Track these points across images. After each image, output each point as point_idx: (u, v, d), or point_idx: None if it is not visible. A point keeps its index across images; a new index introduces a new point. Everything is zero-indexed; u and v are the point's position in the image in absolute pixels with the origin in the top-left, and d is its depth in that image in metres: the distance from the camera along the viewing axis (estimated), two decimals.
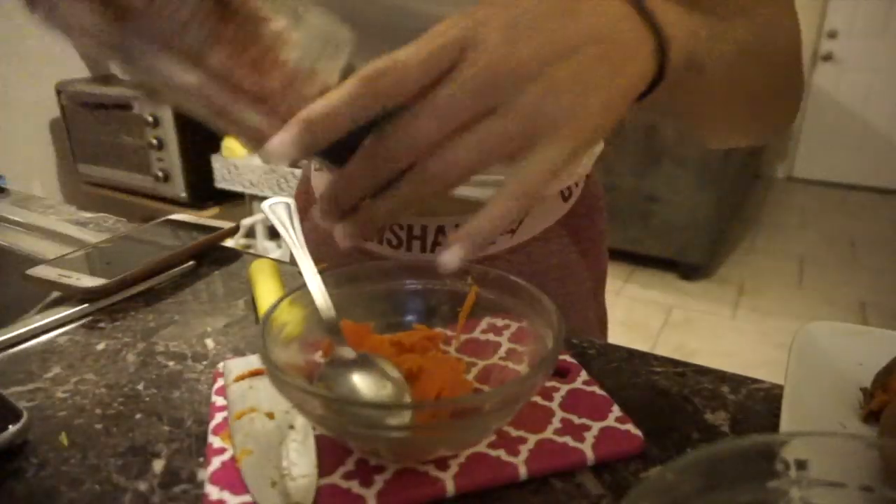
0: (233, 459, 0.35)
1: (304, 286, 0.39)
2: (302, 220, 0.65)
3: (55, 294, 0.55)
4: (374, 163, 0.29)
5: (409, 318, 0.44)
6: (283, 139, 0.28)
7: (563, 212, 0.59)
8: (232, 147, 2.35)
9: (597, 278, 0.66)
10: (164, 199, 2.43)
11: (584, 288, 0.64)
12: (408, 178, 0.29)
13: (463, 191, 0.51)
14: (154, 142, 2.33)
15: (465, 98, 0.27)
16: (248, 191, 2.35)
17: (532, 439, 0.36)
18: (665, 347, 2.31)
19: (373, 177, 0.30)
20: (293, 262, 0.64)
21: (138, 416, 0.40)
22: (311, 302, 0.39)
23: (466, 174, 0.29)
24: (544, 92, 0.28)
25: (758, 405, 0.41)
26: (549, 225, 0.59)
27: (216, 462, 0.35)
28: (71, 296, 0.54)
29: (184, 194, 2.39)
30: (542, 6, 0.29)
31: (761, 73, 0.42)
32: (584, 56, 0.28)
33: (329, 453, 0.35)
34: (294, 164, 0.44)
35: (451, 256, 0.29)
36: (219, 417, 0.39)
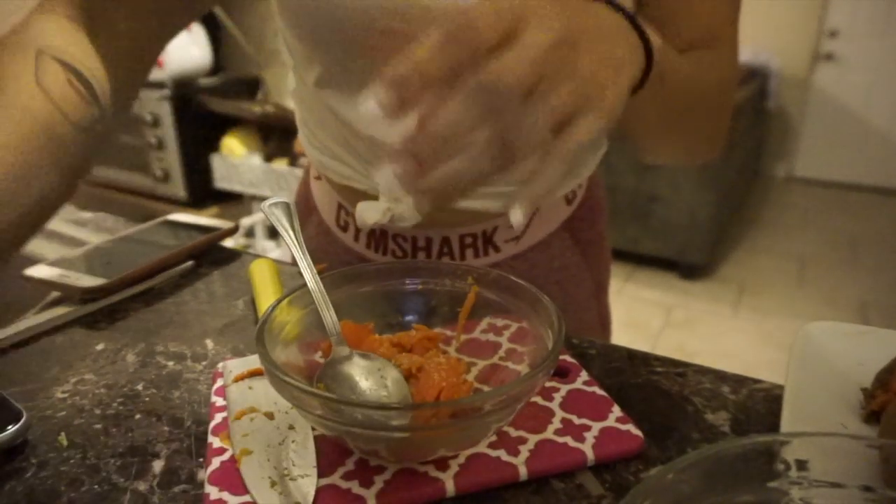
0: (232, 459, 0.35)
1: (303, 286, 0.39)
2: (303, 226, 0.65)
3: (55, 294, 0.55)
4: (470, 101, 0.29)
5: (409, 318, 0.43)
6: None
7: (566, 215, 0.60)
8: (231, 147, 2.35)
9: (598, 280, 0.66)
10: (163, 199, 2.43)
11: (584, 290, 0.64)
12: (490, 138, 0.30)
13: (472, 203, 0.52)
14: (154, 142, 2.33)
15: (544, 52, 0.29)
16: (247, 191, 2.35)
17: (532, 439, 0.36)
18: (665, 347, 2.31)
19: (469, 119, 0.29)
20: (293, 262, 0.64)
21: (138, 416, 0.40)
22: (311, 302, 0.39)
23: (541, 137, 0.30)
24: (594, 64, 0.31)
25: (758, 405, 0.41)
26: (554, 229, 0.59)
27: (216, 462, 0.35)
28: (70, 296, 0.54)
29: (183, 194, 2.40)
30: (577, 7, 0.32)
31: (696, 103, 0.48)
32: (613, 43, 0.32)
33: (329, 453, 0.35)
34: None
35: (519, 216, 0.30)
36: (218, 418, 0.39)
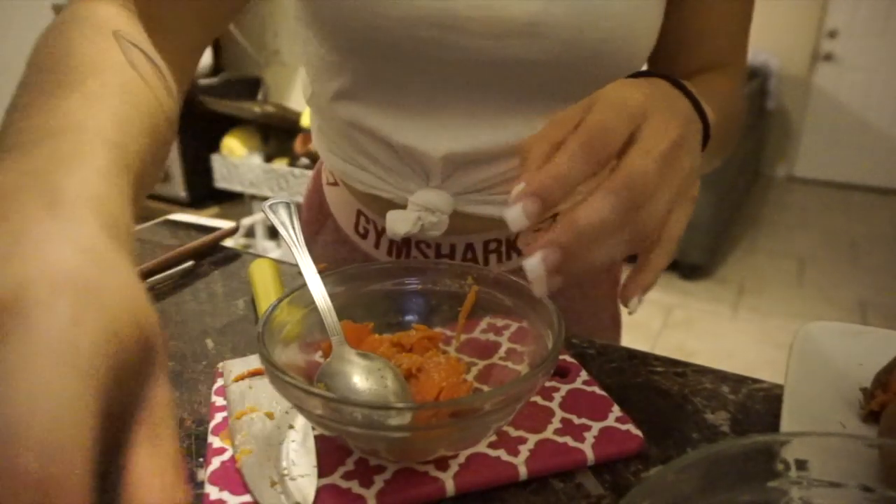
0: (233, 459, 0.35)
1: (304, 286, 0.39)
2: (317, 233, 0.64)
3: None
4: (612, 199, 0.30)
5: (409, 318, 0.43)
6: (523, 201, 0.30)
7: None
8: (231, 147, 2.35)
9: (613, 279, 0.67)
10: (163, 199, 2.43)
11: (602, 290, 0.65)
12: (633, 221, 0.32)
13: (496, 210, 0.52)
14: None
15: (667, 152, 0.32)
16: (247, 191, 2.35)
17: (532, 439, 0.36)
18: (665, 347, 2.31)
19: (611, 217, 0.31)
20: (293, 262, 0.64)
21: None
22: (311, 302, 0.39)
23: (659, 227, 0.33)
24: (691, 158, 0.34)
25: (758, 405, 0.41)
26: None
27: (216, 462, 0.35)
28: None
29: (183, 194, 2.39)
30: (667, 97, 0.36)
31: (722, 138, 0.49)
32: (691, 131, 0.35)
33: (329, 453, 0.35)
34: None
35: (636, 304, 0.34)
36: (218, 417, 0.39)
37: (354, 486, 0.33)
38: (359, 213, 0.59)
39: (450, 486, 0.33)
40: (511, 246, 0.56)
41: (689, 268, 2.80)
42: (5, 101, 0.33)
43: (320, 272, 0.40)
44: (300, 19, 0.52)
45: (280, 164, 2.27)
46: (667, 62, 0.53)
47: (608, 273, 0.65)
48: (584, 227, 0.30)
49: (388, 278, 0.43)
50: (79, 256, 0.21)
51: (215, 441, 0.37)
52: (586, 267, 0.32)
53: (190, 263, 0.62)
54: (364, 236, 0.59)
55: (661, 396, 0.42)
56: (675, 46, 0.52)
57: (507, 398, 0.31)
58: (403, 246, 0.57)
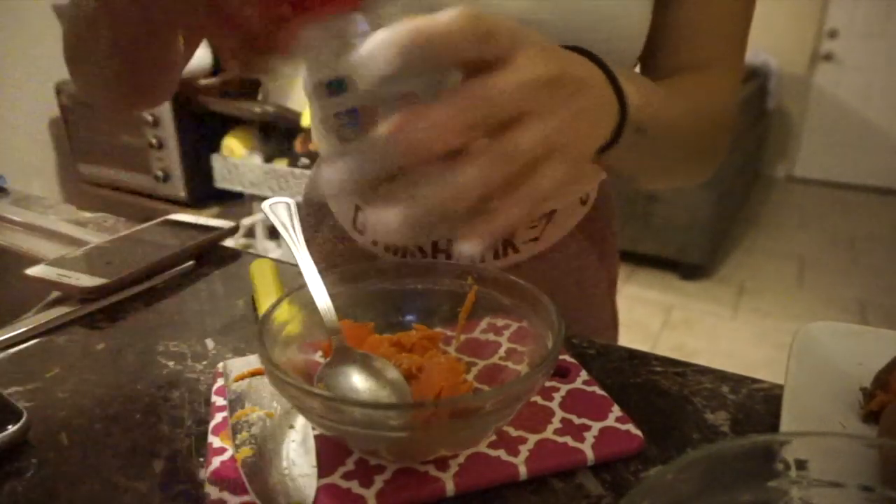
0: (233, 459, 0.35)
1: (304, 286, 0.39)
2: (316, 230, 0.65)
3: (55, 294, 0.55)
4: (463, 111, 0.27)
5: (409, 318, 0.43)
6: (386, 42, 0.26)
7: (581, 215, 0.61)
8: (231, 147, 2.35)
9: (611, 278, 0.67)
10: (163, 199, 2.43)
11: (600, 289, 0.65)
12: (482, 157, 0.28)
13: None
14: (154, 142, 2.33)
15: (534, 83, 0.29)
16: (247, 191, 2.35)
17: (532, 439, 0.36)
18: (665, 347, 2.31)
19: (455, 128, 0.27)
20: (293, 262, 0.64)
21: (138, 416, 0.40)
22: (311, 302, 0.39)
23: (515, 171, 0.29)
24: (574, 114, 0.31)
25: (758, 405, 0.41)
26: (570, 230, 0.60)
27: (216, 462, 0.35)
28: (70, 296, 0.54)
29: (183, 194, 2.39)
30: (568, 54, 0.33)
31: (693, 139, 0.48)
32: (595, 98, 0.33)
33: (329, 453, 0.35)
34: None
35: (466, 247, 0.29)
36: (219, 417, 0.39)
37: (354, 486, 0.33)
38: (357, 208, 0.59)
39: (450, 486, 0.33)
40: (507, 242, 0.57)
41: (689, 268, 2.80)
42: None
43: (320, 272, 0.40)
44: None
45: (280, 164, 2.27)
46: (660, 59, 0.53)
47: (605, 272, 0.65)
48: (420, 128, 0.26)
49: (388, 278, 0.43)
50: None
51: (215, 441, 0.37)
52: (438, 198, 0.28)
53: (190, 263, 0.62)
54: (362, 232, 0.60)
55: (661, 396, 0.42)
56: (668, 43, 0.52)
57: (507, 398, 0.31)
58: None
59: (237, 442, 0.36)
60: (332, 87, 0.30)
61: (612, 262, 0.67)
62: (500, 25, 0.28)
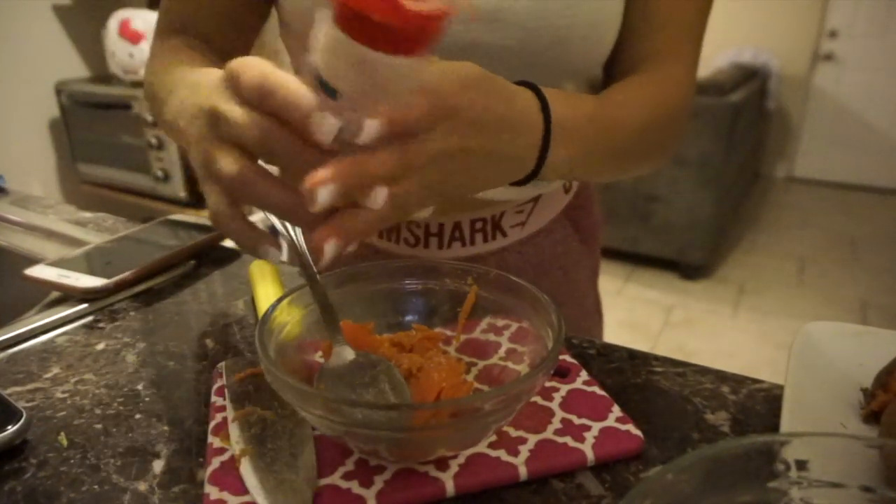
0: (232, 459, 0.35)
1: (304, 286, 0.39)
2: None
3: (55, 294, 0.55)
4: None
5: (409, 318, 0.43)
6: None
7: (565, 202, 0.63)
8: None
9: (593, 266, 0.70)
10: (163, 199, 2.43)
11: (584, 275, 0.68)
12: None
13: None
14: (154, 142, 2.32)
15: (436, 153, 0.33)
16: None
17: (532, 439, 0.36)
18: (665, 347, 2.30)
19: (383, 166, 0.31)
20: (293, 262, 0.64)
21: (138, 416, 0.40)
22: (311, 302, 0.38)
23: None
24: (463, 178, 0.35)
25: (758, 405, 0.41)
26: (555, 216, 0.62)
27: (216, 462, 0.35)
28: (70, 296, 0.54)
29: (183, 194, 2.39)
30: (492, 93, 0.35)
31: (641, 137, 0.49)
32: (487, 142, 0.35)
33: (329, 453, 0.35)
34: None
35: (328, 248, 0.31)
36: (218, 417, 0.39)
37: (354, 486, 0.33)
38: None
39: (450, 487, 0.33)
40: (496, 225, 0.58)
41: (689, 268, 2.80)
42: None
43: (320, 272, 0.39)
44: (283, 26, 0.55)
45: None
46: (617, 48, 0.53)
47: (589, 259, 0.68)
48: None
49: (388, 278, 0.43)
50: None
51: (215, 441, 0.37)
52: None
53: (190, 263, 0.61)
54: None
55: (661, 396, 0.42)
56: (626, 33, 0.52)
57: (507, 398, 0.31)
58: (394, 227, 0.58)
59: (237, 442, 0.36)
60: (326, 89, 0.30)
61: (594, 251, 0.70)
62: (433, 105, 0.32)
